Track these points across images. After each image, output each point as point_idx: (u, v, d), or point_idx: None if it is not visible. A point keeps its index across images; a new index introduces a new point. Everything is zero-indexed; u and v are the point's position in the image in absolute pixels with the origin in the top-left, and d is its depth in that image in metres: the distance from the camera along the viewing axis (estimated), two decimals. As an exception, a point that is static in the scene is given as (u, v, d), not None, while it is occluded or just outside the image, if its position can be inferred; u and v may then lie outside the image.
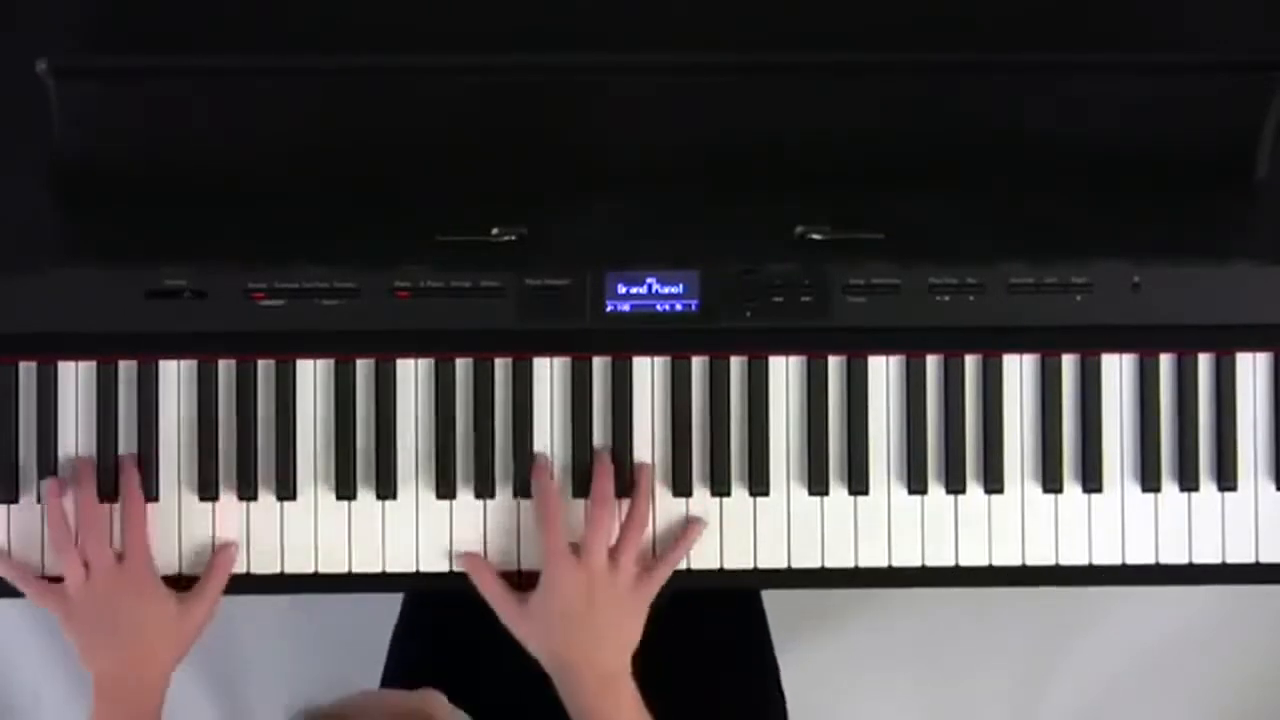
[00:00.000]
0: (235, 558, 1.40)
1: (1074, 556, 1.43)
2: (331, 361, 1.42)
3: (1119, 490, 1.43)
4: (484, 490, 1.41)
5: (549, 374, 1.42)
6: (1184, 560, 1.44)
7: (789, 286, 1.40)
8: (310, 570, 1.42)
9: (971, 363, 1.43)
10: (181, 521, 1.41)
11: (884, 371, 1.43)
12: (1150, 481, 1.43)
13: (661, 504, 1.42)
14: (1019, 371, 1.43)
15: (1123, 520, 1.43)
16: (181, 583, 1.40)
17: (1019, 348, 1.43)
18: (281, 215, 1.40)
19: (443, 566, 1.42)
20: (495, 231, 1.39)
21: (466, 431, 1.42)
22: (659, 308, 1.40)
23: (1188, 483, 1.43)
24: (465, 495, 1.42)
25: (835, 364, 1.42)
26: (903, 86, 1.40)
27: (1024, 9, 1.43)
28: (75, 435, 1.41)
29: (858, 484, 1.42)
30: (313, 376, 1.42)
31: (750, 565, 1.43)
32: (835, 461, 1.42)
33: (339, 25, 1.41)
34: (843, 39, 1.41)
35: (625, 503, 1.40)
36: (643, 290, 1.39)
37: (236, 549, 1.41)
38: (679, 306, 1.40)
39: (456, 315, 1.39)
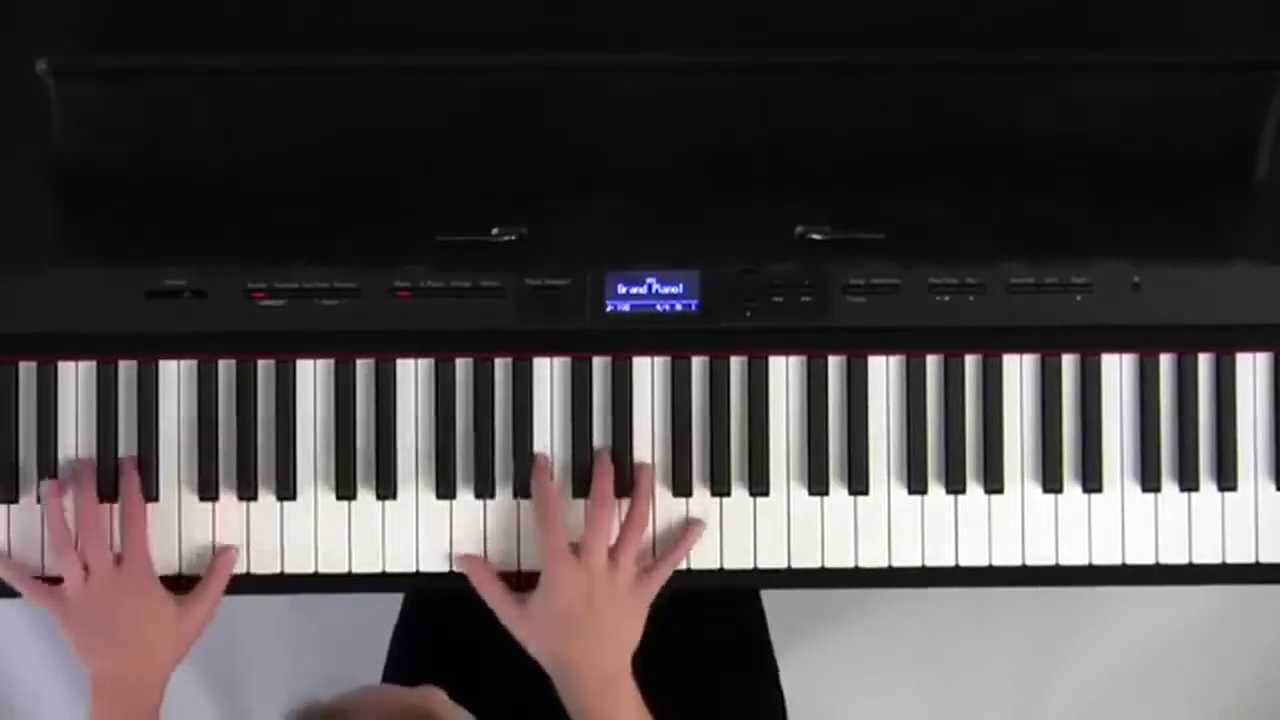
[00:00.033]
0: (235, 561, 1.40)
1: (1074, 556, 1.43)
2: (331, 361, 1.42)
3: (1119, 490, 1.43)
4: (484, 490, 1.41)
5: (549, 374, 1.42)
6: (1184, 560, 1.44)
7: (789, 286, 1.40)
8: (310, 570, 1.42)
9: (971, 363, 1.43)
10: (181, 521, 1.41)
11: (884, 371, 1.43)
12: (1150, 481, 1.43)
13: (661, 504, 1.42)
14: (1019, 371, 1.43)
15: (1123, 520, 1.43)
16: (181, 583, 1.40)
17: (1019, 348, 1.43)
18: (281, 215, 1.40)
19: (443, 566, 1.42)
20: (495, 231, 1.39)
21: (466, 431, 1.42)
22: (659, 308, 1.40)
23: (1188, 483, 1.43)
24: (465, 495, 1.42)
25: (835, 364, 1.42)
26: (903, 86, 1.40)
27: (1024, 9, 1.43)
28: (75, 435, 1.41)
29: (858, 484, 1.42)
30: (313, 376, 1.42)
31: (750, 565, 1.43)
32: (835, 461, 1.42)
33: (339, 25, 1.41)
34: (843, 39, 1.41)
35: (625, 503, 1.40)
36: (643, 290, 1.39)
37: (237, 552, 1.41)
38: (679, 306, 1.40)
39: (456, 315, 1.39)
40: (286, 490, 1.41)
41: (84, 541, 1.37)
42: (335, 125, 1.40)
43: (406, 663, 1.64)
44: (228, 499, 1.41)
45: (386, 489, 1.41)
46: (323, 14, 1.41)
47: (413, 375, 1.42)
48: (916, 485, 1.42)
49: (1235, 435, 1.43)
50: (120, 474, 1.40)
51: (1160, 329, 1.42)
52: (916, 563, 1.43)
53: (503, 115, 1.39)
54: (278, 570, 1.42)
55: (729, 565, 1.42)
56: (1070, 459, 1.43)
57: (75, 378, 1.41)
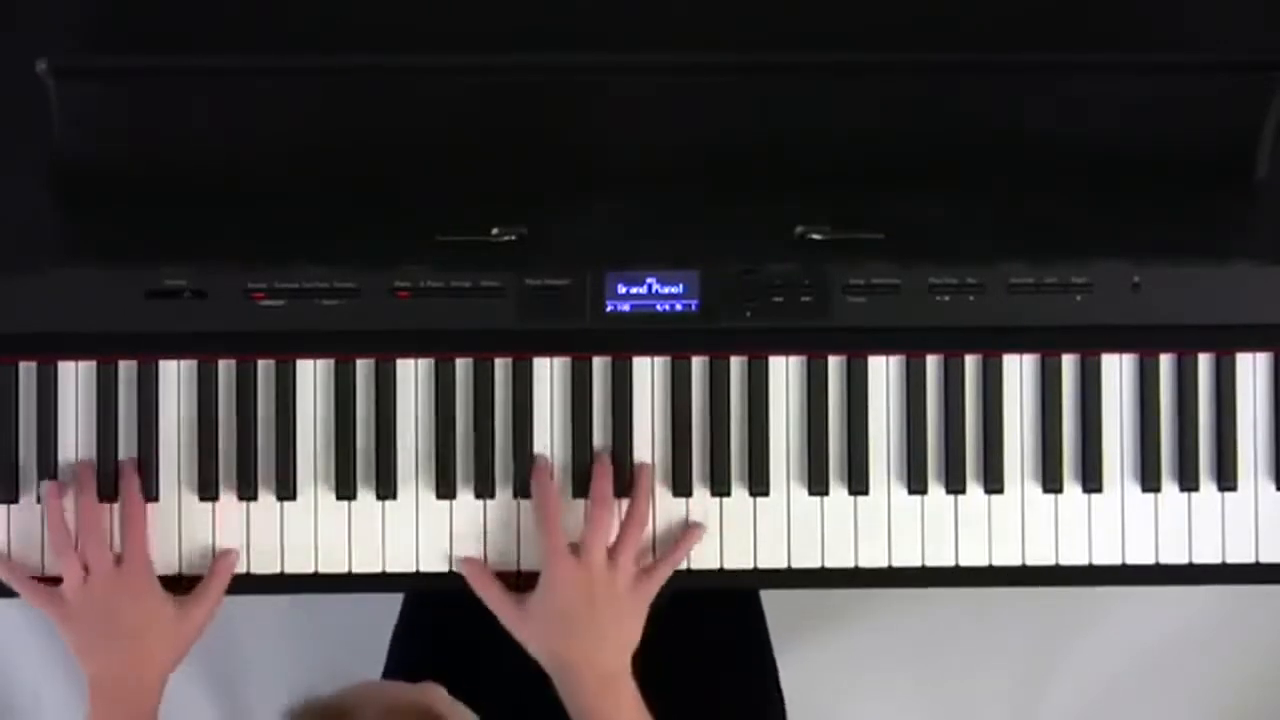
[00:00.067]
0: (236, 563, 1.40)
1: (1074, 556, 1.43)
2: (331, 361, 1.42)
3: (1119, 490, 1.43)
4: (484, 490, 1.41)
5: (549, 374, 1.42)
6: (1184, 560, 1.44)
7: (789, 286, 1.40)
8: (310, 570, 1.42)
9: (971, 363, 1.43)
10: (181, 522, 1.41)
11: (884, 371, 1.43)
12: (1150, 481, 1.43)
13: (661, 504, 1.42)
14: (1019, 371, 1.43)
15: (1123, 520, 1.43)
16: (182, 583, 1.40)
17: (1019, 348, 1.43)
18: (281, 215, 1.40)
19: (443, 567, 1.42)
20: (495, 231, 1.39)
21: (466, 431, 1.42)
22: (659, 308, 1.40)
23: (1188, 483, 1.43)
24: (465, 495, 1.42)
25: (835, 364, 1.42)
26: (903, 86, 1.40)
27: (1024, 9, 1.43)
28: (75, 435, 1.41)
29: (858, 484, 1.42)
30: (313, 376, 1.42)
31: (750, 565, 1.43)
32: (835, 461, 1.42)
33: (339, 25, 1.41)
34: (843, 39, 1.41)
35: (625, 503, 1.40)
36: (643, 290, 1.39)
37: (237, 556, 1.41)
38: (679, 306, 1.40)
39: (456, 315, 1.39)
40: (286, 490, 1.41)
41: (84, 542, 1.37)
42: (335, 125, 1.40)
43: (406, 663, 1.64)
44: (228, 499, 1.41)
45: (386, 489, 1.41)
46: (323, 14, 1.41)
47: (413, 375, 1.42)
48: (916, 485, 1.42)
49: (1235, 435, 1.43)
50: (120, 475, 1.40)
51: (1160, 329, 1.42)
52: (916, 563, 1.43)
53: (503, 115, 1.39)
54: (278, 570, 1.42)
55: (729, 565, 1.42)
56: (1070, 459, 1.43)
57: (75, 378, 1.41)
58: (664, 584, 1.39)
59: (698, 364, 1.42)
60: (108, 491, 1.40)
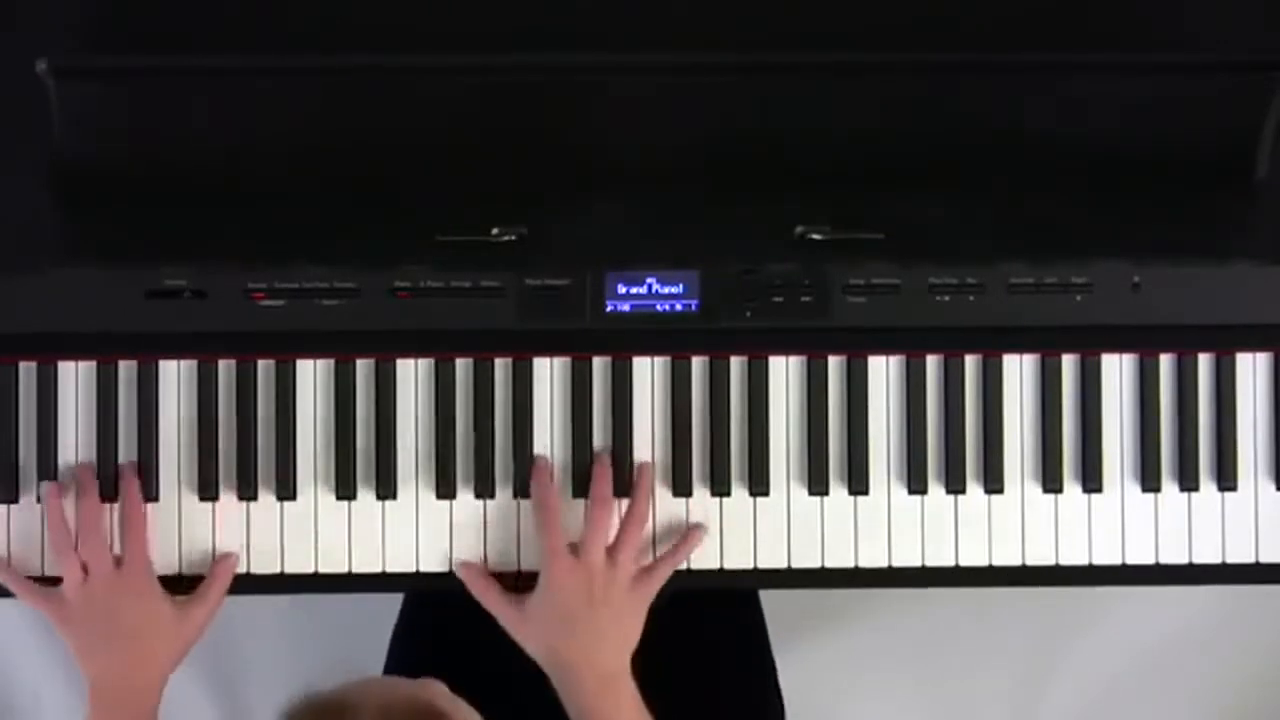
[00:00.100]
0: (236, 567, 1.40)
1: (1074, 556, 1.43)
2: (331, 361, 1.42)
3: (1119, 490, 1.43)
4: (484, 490, 1.41)
5: (549, 374, 1.42)
6: (1184, 560, 1.44)
7: (789, 286, 1.40)
8: (310, 570, 1.42)
9: (971, 363, 1.43)
10: (181, 522, 1.41)
11: (884, 371, 1.43)
12: (1150, 481, 1.43)
13: (661, 504, 1.42)
14: (1019, 371, 1.43)
15: (1123, 520, 1.43)
16: (182, 584, 1.40)
17: (1019, 348, 1.43)
18: (281, 215, 1.40)
19: (443, 567, 1.42)
20: (495, 231, 1.39)
21: (466, 431, 1.42)
22: (659, 308, 1.40)
23: (1188, 483, 1.43)
24: (465, 495, 1.42)
25: (835, 364, 1.42)
26: (903, 86, 1.40)
27: (1024, 9, 1.43)
28: (75, 435, 1.41)
29: (858, 484, 1.42)
30: (313, 376, 1.42)
31: (750, 565, 1.43)
32: (835, 461, 1.42)
33: (339, 25, 1.41)
34: (843, 39, 1.41)
35: (624, 503, 1.40)
36: (643, 290, 1.39)
37: (237, 559, 1.41)
38: (679, 306, 1.40)
39: (456, 315, 1.39)
40: (286, 490, 1.41)
41: (84, 543, 1.37)
42: (335, 125, 1.40)
43: (406, 662, 1.64)
44: (228, 499, 1.41)
45: (386, 489, 1.41)
46: (323, 14, 1.41)
47: (413, 375, 1.42)
48: (916, 485, 1.42)
49: (1235, 435, 1.43)
50: (120, 476, 1.39)
51: (1160, 329, 1.42)
52: (916, 563, 1.43)
53: (503, 115, 1.39)
54: (278, 570, 1.42)
55: (729, 565, 1.42)
56: (1070, 459, 1.43)
57: (75, 378, 1.41)
58: (664, 584, 1.39)
59: (698, 364, 1.42)
60: (108, 492, 1.40)
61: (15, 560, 1.41)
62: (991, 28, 1.43)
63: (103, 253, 1.39)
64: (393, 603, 1.71)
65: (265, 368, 1.42)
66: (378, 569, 1.42)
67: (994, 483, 1.42)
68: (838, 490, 1.42)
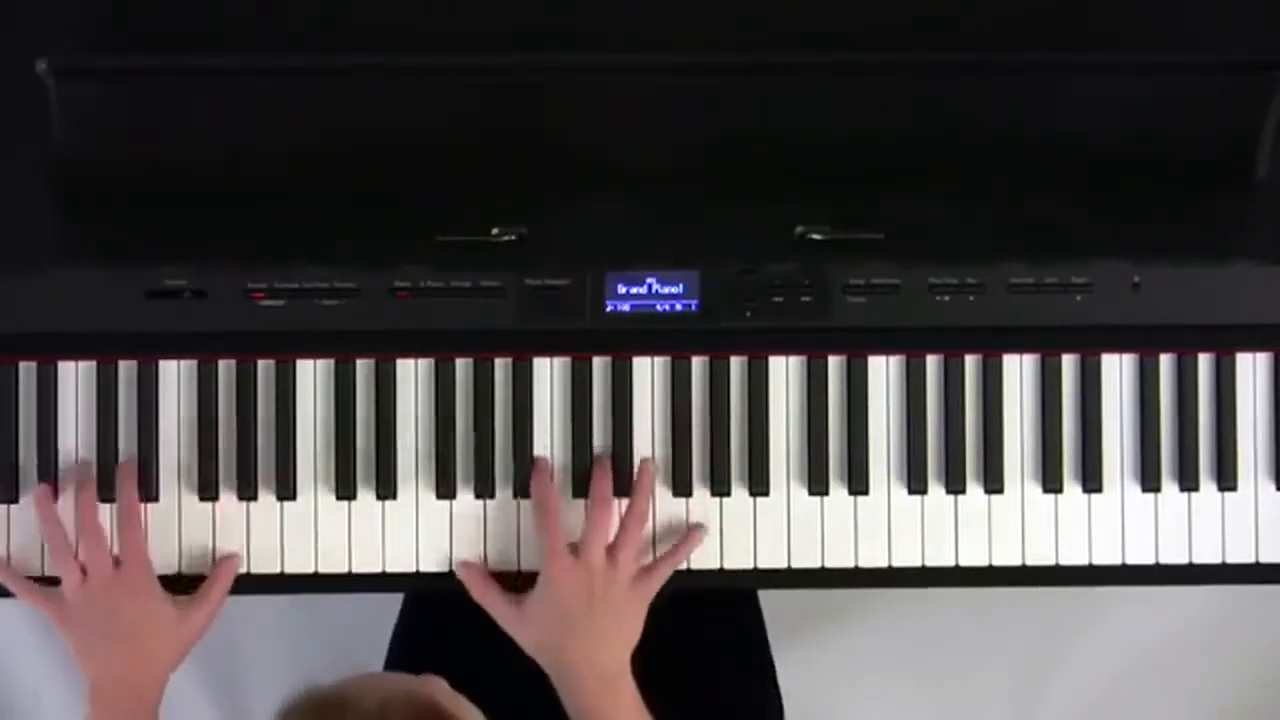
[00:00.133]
0: (237, 568, 1.40)
1: (1074, 556, 1.43)
2: (331, 361, 1.42)
3: (1119, 490, 1.43)
4: (484, 490, 1.41)
5: (549, 374, 1.42)
6: (1184, 560, 1.44)
7: (789, 286, 1.40)
8: (310, 570, 1.42)
9: (971, 363, 1.43)
10: (181, 522, 1.41)
11: (884, 371, 1.43)
12: (1150, 481, 1.43)
13: (661, 504, 1.42)
14: (1019, 371, 1.43)
15: (1123, 520, 1.43)
16: (181, 583, 1.40)
17: (1019, 348, 1.43)
18: (281, 215, 1.40)
19: (443, 567, 1.42)
20: (495, 231, 1.39)
21: (466, 431, 1.42)
22: (659, 308, 1.40)
23: (1188, 483, 1.43)
24: (465, 495, 1.42)
25: (835, 364, 1.42)
26: (903, 86, 1.40)
27: (1024, 9, 1.43)
28: (75, 435, 1.41)
29: (858, 484, 1.42)
30: (313, 376, 1.42)
31: (750, 565, 1.43)
32: (835, 461, 1.42)
33: (339, 25, 1.41)
34: (843, 39, 1.41)
35: (624, 502, 1.40)
36: (643, 290, 1.39)
37: (239, 560, 1.40)
38: (679, 306, 1.40)
39: (456, 315, 1.39)
40: (286, 490, 1.41)
41: (82, 544, 1.37)
42: (335, 125, 1.40)
43: (406, 662, 1.64)
44: (228, 499, 1.41)
45: (386, 489, 1.41)
46: (323, 14, 1.41)
47: (413, 375, 1.42)
48: (916, 485, 1.42)
49: (1235, 435, 1.43)
50: (117, 477, 1.39)
51: (1160, 329, 1.42)
52: (916, 563, 1.43)
53: (503, 115, 1.39)
54: (278, 570, 1.42)
55: (729, 565, 1.42)
56: (1070, 459, 1.43)
57: (75, 378, 1.41)
58: (664, 583, 1.39)
59: (698, 364, 1.42)
60: (107, 492, 1.40)
61: (15, 560, 1.41)
62: (991, 28, 1.43)
63: (103, 253, 1.39)
64: (393, 603, 1.71)
65: (265, 368, 1.42)
66: (378, 569, 1.42)
67: (994, 483, 1.42)
68: (838, 490, 1.42)
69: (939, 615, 2.26)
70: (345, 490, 1.41)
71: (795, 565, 1.43)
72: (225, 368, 1.41)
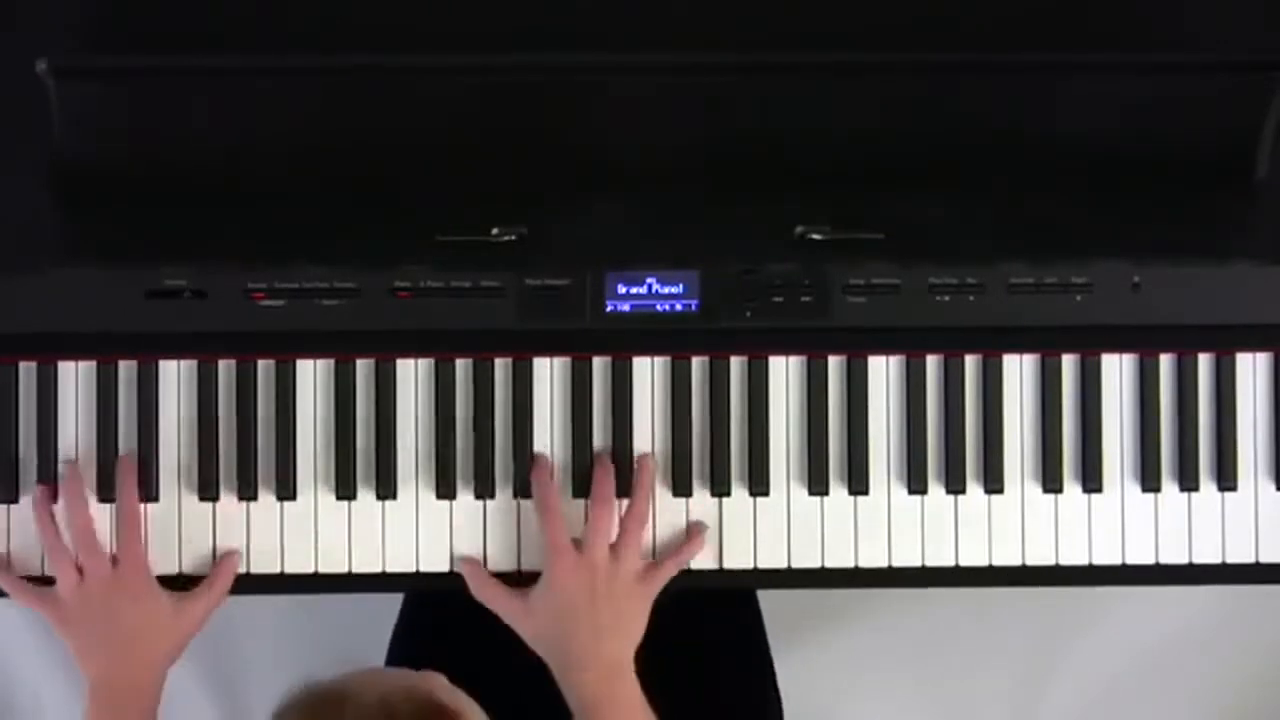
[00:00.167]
0: (238, 566, 1.40)
1: (1074, 556, 1.43)
2: (331, 361, 1.42)
3: (1119, 490, 1.43)
4: (484, 490, 1.41)
5: (549, 374, 1.42)
6: (1184, 560, 1.44)
7: (789, 286, 1.40)
8: (310, 570, 1.42)
9: (971, 363, 1.43)
10: (181, 522, 1.41)
11: (884, 371, 1.43)
12: (1150, 481, 1.43)
13: (661, 504, 1.42)
14: (1019, 371, 1.43)
15: (1123, 520, 1.43)
16: (181, 583, 1.40)
17: (1019, 348, 1.43)
18: (281, 215, 1.40)
19: (443, 566, 1.42)
20: (495, 231, 1.39)
21: (466, 431, 1.42)
22: (659, 308, 1.40)
23: (1188, 483, 1.43)
24: (465, 495, 1.42)
25: (835, 364, 1.42)
26: (903, 86, 1.40)
27: (1024, 9, 1.43)
28: (75, 435, 1.41)
29: (858, 484, 1.42)
30: (313, 376, 1.42)
31: (750, 565, 1.43)
32: (835, 461, 1.42)
33: (339, 25, 1.41)
34: (843, 39, 1.41)
35: (625, 502, 1.40)
36: (643, 290, 1.39)
37: (239, 559, 1.40)
38: (679, 306, 1.40)
39: (456, 315, 1.39)
40: (286, 490, 1.41)
41: (79, 545, 1.37)
42: (335, 125, 1.40)
43: (406, 662, 1.63)
44: (228, 499, 1.41)
45: (386, 489, 1.41)
46: (323, 14, 1.41)
47: (413, 375, 1.42)
48: (916, 485, 1.42)
49: (1235, 435, 1.43)
50: (116, 475, 1.39)
51: (1160, 329, 1.42)
52: (916, 563, 1.43)
53: (503, 115, 1.39)
54: (278, 570, 1.42)
55: (729, 565, 1.42)
56: (1070, 459, 1.43)
57: (75, 378, 1.41)
58: (668, 582, 1.39)
59: (698, 364, 1.42)
60: (107, 492, 1.40)
61: (15, 560, 1.41)
62: (991, 28, 1.43)
63: (103, 253, 1.39)
64: (393, 603, 1.71)
65: (265, 368, 1.42)
66: (378, 569, 1.42)
67: (994, 483, 1.42)
68: (838, 490, 1.42)
69: (939, 615, 2.26)
70: (345, 490, 1.41)
71: (795, 565, 1.43)
72: (225, 368, 1.41)
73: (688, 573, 1.41)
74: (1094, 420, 1.43)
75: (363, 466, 1.42)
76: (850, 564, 1.43)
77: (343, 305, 1.38)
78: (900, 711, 2.30)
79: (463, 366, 1.42)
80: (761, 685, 1.66)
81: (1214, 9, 1.45)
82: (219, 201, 1.40)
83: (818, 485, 1.42)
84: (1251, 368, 1.44)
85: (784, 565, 1.43)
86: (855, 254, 1.39)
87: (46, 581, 1.39)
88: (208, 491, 1.41)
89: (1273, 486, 1.44)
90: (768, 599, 1.72)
